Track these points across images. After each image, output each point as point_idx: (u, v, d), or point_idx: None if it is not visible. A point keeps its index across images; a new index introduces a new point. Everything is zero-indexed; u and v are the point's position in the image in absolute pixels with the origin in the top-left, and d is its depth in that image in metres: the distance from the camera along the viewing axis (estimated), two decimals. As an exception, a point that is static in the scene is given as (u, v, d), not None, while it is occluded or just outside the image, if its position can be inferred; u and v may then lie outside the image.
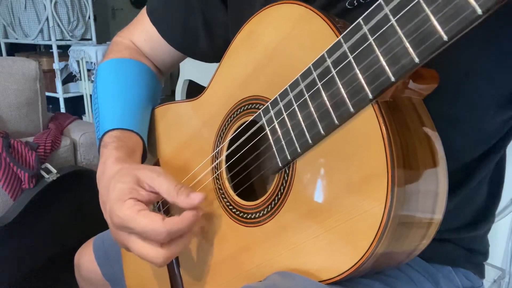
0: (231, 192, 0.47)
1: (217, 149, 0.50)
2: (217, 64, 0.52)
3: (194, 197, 0.43)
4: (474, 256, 0.55)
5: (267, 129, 0.41)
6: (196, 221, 0.43)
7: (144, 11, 0.65)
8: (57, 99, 2.73)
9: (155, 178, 0.44)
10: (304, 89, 0.37)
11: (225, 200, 0.47)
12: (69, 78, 2.77)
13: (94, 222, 0.85)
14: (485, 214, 0.54)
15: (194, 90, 2.03)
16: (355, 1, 0.43)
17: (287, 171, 0.40)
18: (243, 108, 0.46)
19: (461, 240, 0.53)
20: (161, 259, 0.42)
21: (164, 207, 0.58)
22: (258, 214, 0.43)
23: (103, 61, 0.62)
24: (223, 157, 0.48)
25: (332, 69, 0.34)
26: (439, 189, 0.36)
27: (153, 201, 0.46)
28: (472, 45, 0.38)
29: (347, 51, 0.33)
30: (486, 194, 0.53)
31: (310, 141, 0.36)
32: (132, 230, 0.42)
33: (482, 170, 0.49)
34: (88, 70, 2.63)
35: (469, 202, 0.52)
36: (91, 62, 2.53)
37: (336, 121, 0.34)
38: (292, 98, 0.38)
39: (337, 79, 0.34)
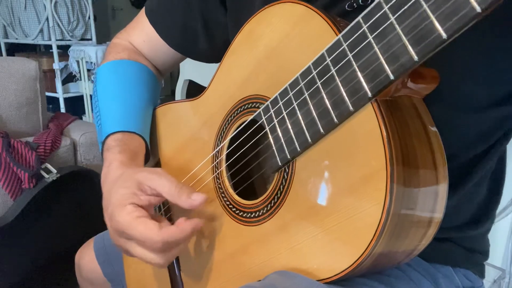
0: (231, 191, 0.47)
1: (217, 148, 0.50)
2: (217, 64, 0.52)
3: (195, 198, 0.43)
4: (474, 255, 0.55)
5: (267, 128, 0.41)
6: (194, 233, 0.43)
7: (143, 12, 0.64)
8: (57, 99, 2.73)
9: (156, 180, 0.44)
10: (303, 88, 0.37)
11: (225, 199, 0.47)
12: (69, 78, 2.77)
13: (94, 221, 0.85)
14: (486, 213, 0.54)
15: (194, 90, 2.03)
16: (354, 4, 0.43)
17: (287, 170, 0.40)
18: (243, 107, 0.46)
19: (461, 239, 0.53)
20: (160, 263, 0.43)
21: (165, 207, 0.58)
22: (257, 213, 0.43)
23: (102, 64, 0.62)
24: (223, 156, 0.48)
25: (332, 67, 0.34)
26: (439, 188, 0.36)
27: (154, 204, 0.46)
28: (466, 48, 0.38)
29: (347, 49, 0.33)
30: (486, 193, 0.53)
31: (309, 140, 0.36)
32: (130, 237, 0.43)
33: (481, 169, 0.49)
34: (88, 70, 2.63)
35: (469, 201, 0.52)
36: (91, 62, 2.53)
37: (335, 120, 0.34)
38: (292, 97, 0.38)
39: (336, 77, 0.34)
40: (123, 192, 0.44)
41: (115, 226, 0.44)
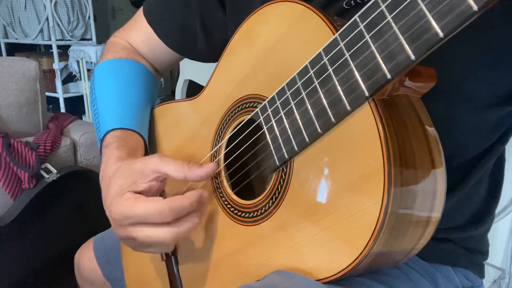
0: (229, 190, 0.47)
1: (215, 148, 0.50)
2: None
3: (208, 165, 0.43)
4: (474, 255, 0.55)
5: (265, 128, 0.41)
6: (199, 199, 0.42)
7: (141, 11, 0.64)
8: (57, 99, 2.73)
9: (158, 161, 0.43)
10: (301, 87, 0.37)
11: (223, 199, 0.47)
12: (69, 78, 2.77)
13: (94, 222, 0.86)
14: (485, 213, 0.54)
15: (194, 90, 2.02)
16: (352, 1, 0.42)
17: (285, 170, 0.40)
18: (241, 106, 0.46)
19: (460, 239, 0.53)
20: (169, 239, 0.42)
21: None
22: (255, 213, 0.43)
23: (100, 62, 0.62)
24: (221, 155, 0.48)
25: (329, 67, 0.34)
26: (437, 188, 0.36)
27: (153, 191, 0.45)
28: (466, 46, 0.38)
29: (344, 48, 0.33)
30: (485, 193, 0.53)
31: (307, 140, 0.36)
32: (133, 220, 0.42)
33: (481, 168, 0.49)
34: (88, 70, 2.63)
35: (468, 201, 0.51)
36: (91, 62, 2.53)
37: (332, 119, 0.34)
38: (289, 96, 0.38)
39: (333, 76, 0.34)
40: (121, 182, 0.44)
41: (115, 215, 0.43)
